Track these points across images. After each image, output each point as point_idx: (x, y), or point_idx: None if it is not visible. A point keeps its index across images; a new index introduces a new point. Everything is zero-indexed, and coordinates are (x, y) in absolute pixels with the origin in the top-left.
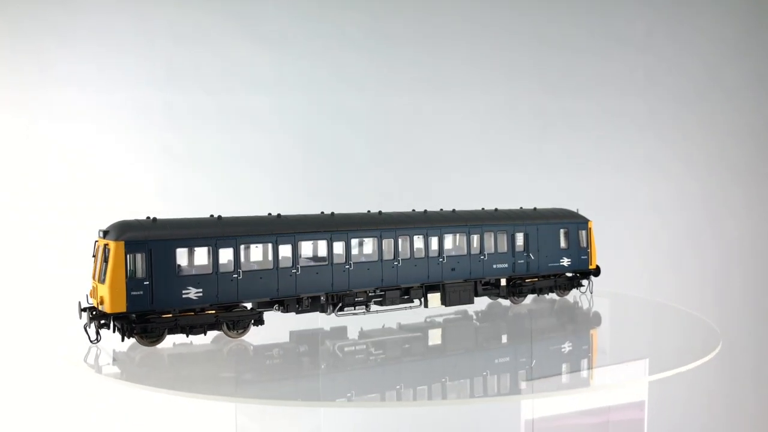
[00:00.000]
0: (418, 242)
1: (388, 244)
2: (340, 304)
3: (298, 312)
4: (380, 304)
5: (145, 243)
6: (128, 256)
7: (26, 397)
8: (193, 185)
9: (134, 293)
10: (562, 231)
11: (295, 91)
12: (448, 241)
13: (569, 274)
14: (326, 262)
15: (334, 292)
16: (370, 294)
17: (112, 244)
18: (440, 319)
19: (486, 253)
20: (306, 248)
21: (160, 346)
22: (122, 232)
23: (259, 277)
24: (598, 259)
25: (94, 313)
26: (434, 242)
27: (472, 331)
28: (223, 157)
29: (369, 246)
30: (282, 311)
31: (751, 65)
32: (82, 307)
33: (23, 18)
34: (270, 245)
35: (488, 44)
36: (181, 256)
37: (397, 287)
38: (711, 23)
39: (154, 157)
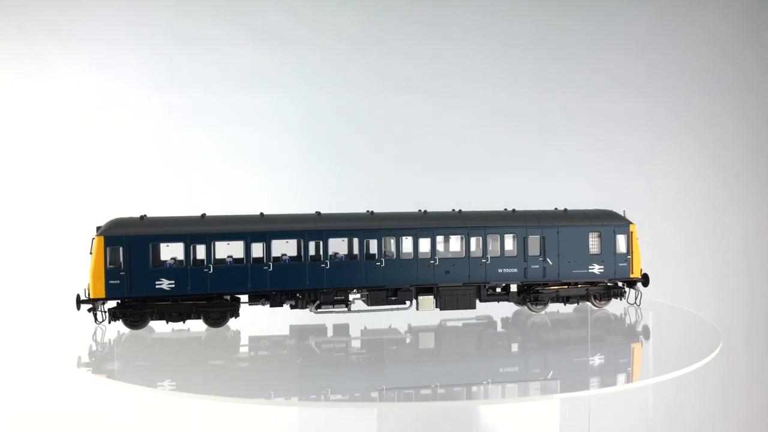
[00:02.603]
0: (406, 243)
1: (371, 244)
2: (318, 302)
3: (292, 307)
4: (365, 303)
5: (123, 238)
6: (107, 249)
7: (26, 396)
8: (194, 184)
9: (112, 282)
10: (592, 235)
11: (295, 91)
12: (442, 243)
13: (609, 283)
14: (300, 260)
15: (308, 289)
16: (350, 293)
17: (96, 239)
18: (459, 323)
19: (489, 256)
20: (283, 246)
21: (144, 330)
22: (106, 228)
23: (230, 272)
24: None
25: (86, 298)
26: (425, 243)
27: (471, 336)
28: (222, 157)
29: (349, 245)
30: (270, 306)
31: (751, 64)
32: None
33: (23, 17)
34: (242, 243)
35: (489, 44)
36: (155, 250)
37: (381, 288)
38: (711, 23)
39: (155, 156)
